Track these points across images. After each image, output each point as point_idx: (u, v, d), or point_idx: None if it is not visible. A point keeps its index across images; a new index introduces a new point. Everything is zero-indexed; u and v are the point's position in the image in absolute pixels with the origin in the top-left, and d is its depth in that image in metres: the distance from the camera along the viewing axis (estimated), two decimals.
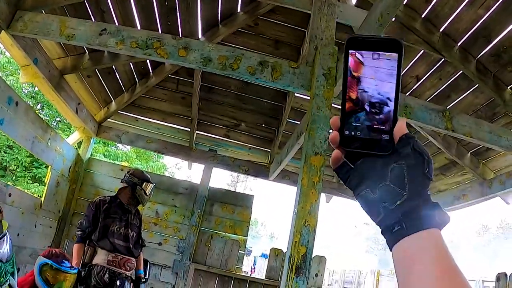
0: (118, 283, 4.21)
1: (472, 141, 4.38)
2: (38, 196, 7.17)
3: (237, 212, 6.41)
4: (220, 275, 5.86)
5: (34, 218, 5.27)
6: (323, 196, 6.68)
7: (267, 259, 7.49)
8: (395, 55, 0.70)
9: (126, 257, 4.35)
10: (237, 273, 6.02)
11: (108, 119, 6.54)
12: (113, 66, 5.73)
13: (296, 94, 5.87)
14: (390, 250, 0.67)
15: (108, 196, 4.60)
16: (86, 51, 5.22)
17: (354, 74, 0.71)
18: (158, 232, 6.18)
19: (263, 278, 6.07)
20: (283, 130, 6.28)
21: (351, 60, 0.71)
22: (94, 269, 4.22)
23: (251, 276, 7.76)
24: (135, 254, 4.47)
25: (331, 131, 0.75)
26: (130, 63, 5.81)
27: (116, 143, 17.68)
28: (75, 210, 6.16)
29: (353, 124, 0.72)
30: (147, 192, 4.57)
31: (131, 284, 4.43)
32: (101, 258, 4.26)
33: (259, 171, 6.62)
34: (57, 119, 16.92)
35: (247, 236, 6.41)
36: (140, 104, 6.55)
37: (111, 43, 3.67)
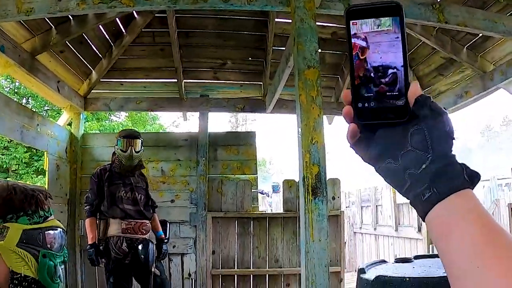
0: (140, 247, 4.15)
1: (467, 30, 4.20)
2: (41, 185, 7.08)
3: (241, 151, 6.27)
4: (238, 218, 5.84)
5: None
6: (324, 118, 6.56)
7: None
8: (396, 19, 0.69)
9: (140, 221, 4.28)
10: (255, 212, 6.00)
11: (92, 90, 6.31)
12: (84, 34, 5.44)
13: (276, 20, 5.56)
14: (423, 220, 0.64)
15: (108, 164, 4.50)
16: (52, 25, 4.94)
17: (359, 44, 0.70)
18: (168, 189, 6.10)
19: (281, 211, 6.06)
20: (271, 60, 5.99)
21: (353, 30, 0.70)
22: (111, 241, 4.17)
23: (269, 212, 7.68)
24: (147, 216, 4.39)
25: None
26: (100, 26, 5.52)
27: (109, 117, 17.54)
28: (82, 189, 6.03)
29: (365, 95, 0.70)
30: (123, 148, 4.30)
31: (154, 245, 4.38)
32: (114, 228, 4.20)
33: (255, 105, 6.42)
34: (46, 107, 16.63)
35: (256, 174, 6.32)
36: (121, 67, 6.27)
37: (73, 6, 3.48)
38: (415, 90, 0.67)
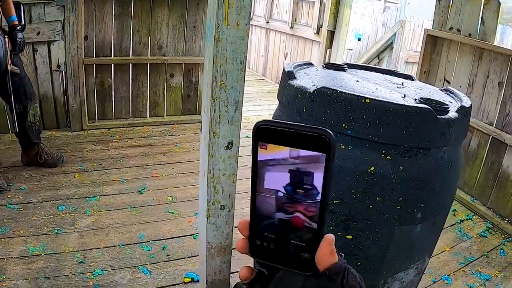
0: None
1: None
2: None
3: None
4: None
5: None
6: None
7: None
8: (321, 156, 0.51)
9: None
10: None
11: None
12: None
13: None
14: None
15: None
16: None
17: (267, 172, 0.55)
18: None
19: None
20: None
21: (261, 154, 0.54)
22: None
23: None
24: None
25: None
26: None
27: None
28: None
29: (265, 233, 0.57)
30: None
31: (6, 37, 3.44)
32: None
33: None
34: None
35: None
36: None
37: None
38: (324, 253, 0.54)
